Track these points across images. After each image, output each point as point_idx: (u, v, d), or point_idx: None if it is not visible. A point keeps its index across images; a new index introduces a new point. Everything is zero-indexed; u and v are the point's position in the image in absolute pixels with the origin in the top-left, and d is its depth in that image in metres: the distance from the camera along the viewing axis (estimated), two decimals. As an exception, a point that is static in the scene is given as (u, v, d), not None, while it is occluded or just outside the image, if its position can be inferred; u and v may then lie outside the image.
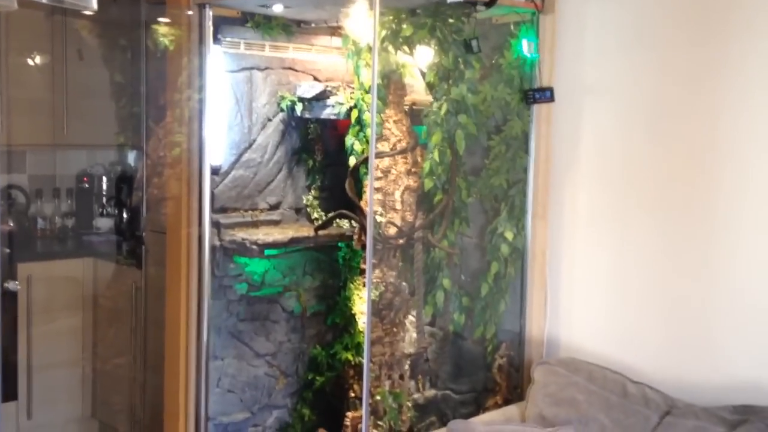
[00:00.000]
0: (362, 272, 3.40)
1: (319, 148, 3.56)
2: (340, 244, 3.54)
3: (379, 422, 3.06)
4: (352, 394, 3.38)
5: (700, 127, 2.84)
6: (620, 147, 3.07)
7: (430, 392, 3.47)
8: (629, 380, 2.82)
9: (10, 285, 3.61)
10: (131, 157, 4.31)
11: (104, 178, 4.46)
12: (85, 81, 4.10)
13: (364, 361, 2.82)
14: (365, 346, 2.88)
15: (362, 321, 3.38)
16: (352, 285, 3.49)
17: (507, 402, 3.25)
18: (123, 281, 3.98)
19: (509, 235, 3.24)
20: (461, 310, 3.40)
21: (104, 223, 4.41)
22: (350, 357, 3.44)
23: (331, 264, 3.61)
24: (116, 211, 4.30)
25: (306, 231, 3.40)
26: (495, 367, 3.33)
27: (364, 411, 2.83)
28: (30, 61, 4.04)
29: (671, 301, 2.93)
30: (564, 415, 2.77)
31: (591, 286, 3.18)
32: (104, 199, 4.45)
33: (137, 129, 3.92)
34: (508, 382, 3.32)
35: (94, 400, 4.15)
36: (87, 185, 4.45)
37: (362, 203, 3.21)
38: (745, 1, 2.71)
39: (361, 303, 3.41)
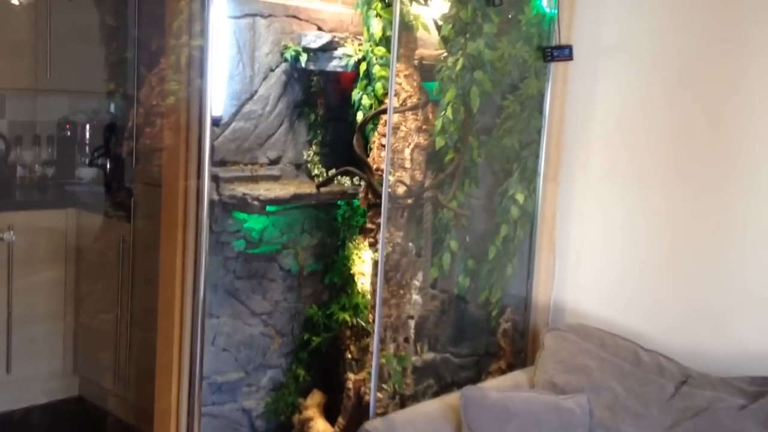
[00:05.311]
0: (362, 231, 3.29)
1: (322, 102, 3.41)
2: (339, 202, 3.43)
3: (384, 385, 2.99)
4: (349, 356, 3.31)
5: (721, 90, 2.78)
6: (637, 109, 3.00)
7: (429, 355, 3.40)
8: (642, 348, 2.78)
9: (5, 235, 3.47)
10: (120, 106, 4.12)
11: (87, 126, 4.28)
12: (72, 23, 3.91)
13: (375, 324, 2.74)
14: (377, 308, 2.79)
15: (361, 282, 3.29)
16: (351, 244, 3.39)
17: (510, 367, 3.21)
18: (109, 234, 3.84)
19: (520, 198, 3.16)
20: (467, 273, 3.32)
21: (87, 173, 4.26)
22: (347, 318, 3.35)
23: (330, 222, 3.50)
24: (102, 162, 4.13)
25: (307, 187, 3.27)
26: (499, 332, 3.27)
27: (373, 375, 2.75)
28: (13, 0, 3.83)
29: (685, 269, 2.88)
30: (576, 383, 2.72)
31: (601, 252, 3.12)
32: (87, 148, 4.27)
33: (128, 76, 3.74)
34: (512, 347, 3.26)
35: (75, 355, 4.04)
36: (69, 133, 4.27)
37: (370, 160, 3.10)
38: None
39: (360, 263, 3.31)
